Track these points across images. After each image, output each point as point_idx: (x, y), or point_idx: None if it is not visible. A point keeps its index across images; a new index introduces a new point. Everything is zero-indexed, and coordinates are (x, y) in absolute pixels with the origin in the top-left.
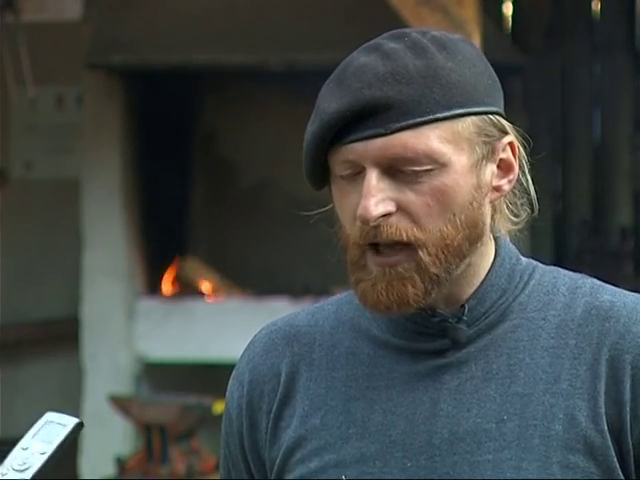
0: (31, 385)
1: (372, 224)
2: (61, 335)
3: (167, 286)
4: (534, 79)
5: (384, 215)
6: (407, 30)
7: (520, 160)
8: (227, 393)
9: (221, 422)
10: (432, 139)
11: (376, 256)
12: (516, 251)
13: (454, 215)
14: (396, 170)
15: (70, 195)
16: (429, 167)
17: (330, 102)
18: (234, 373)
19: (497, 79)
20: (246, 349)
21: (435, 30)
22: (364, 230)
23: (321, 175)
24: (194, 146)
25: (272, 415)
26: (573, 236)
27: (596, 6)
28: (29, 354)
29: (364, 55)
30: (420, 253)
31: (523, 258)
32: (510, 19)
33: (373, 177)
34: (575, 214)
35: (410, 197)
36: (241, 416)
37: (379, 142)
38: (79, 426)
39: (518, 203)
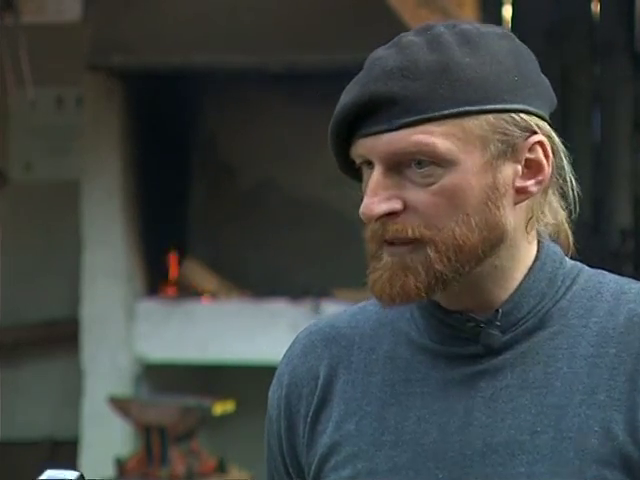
0: (31, 386)
1: (377, 222)
2: (61, 336)
3: (167, 287)
4: None
5: (390, 213)
6: (437, 24)
7: (556, 160)
8: (269, 393)
9: (221, 423)
10: (438, 136)
11: (389, 246)
12: (561, 254)
13: (467, 215)
14: (404, 167)
15: (70, 196)
16: (436, 164)
17: (345, 95)
18: (276, 373)
19: (533, 76)
20: (288, 349)
21: (468, 23)
22: (373, 227)
23: (349, 165)
24: (194, 147)
25: (309, 419)
26: (573, 237)
27: (596, 7)
28: (29, 355)
29: (384, 48)
30: (427, 249)
31: (569, 261)
32: (510, 20)
33: (378, 174)
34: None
35: (419, 196)
36: (280, 418)
37: (385, 138)
38: (81, 478)
39: (555, 205)
